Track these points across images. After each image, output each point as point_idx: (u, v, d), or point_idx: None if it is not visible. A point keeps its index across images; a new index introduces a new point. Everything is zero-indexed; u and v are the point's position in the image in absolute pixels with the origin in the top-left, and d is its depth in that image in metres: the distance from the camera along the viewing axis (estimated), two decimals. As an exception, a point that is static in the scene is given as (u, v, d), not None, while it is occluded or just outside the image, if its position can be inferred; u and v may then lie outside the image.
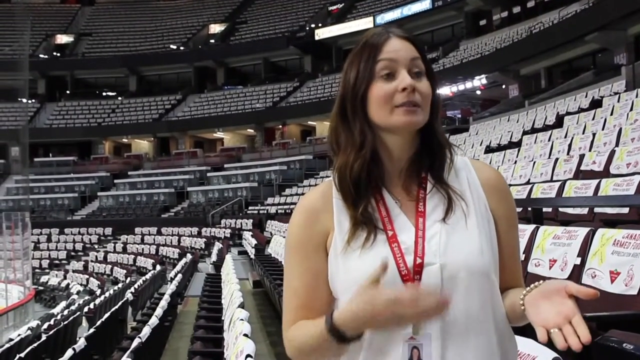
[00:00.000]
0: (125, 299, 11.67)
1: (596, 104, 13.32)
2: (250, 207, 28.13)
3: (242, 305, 4.56)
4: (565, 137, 10.31)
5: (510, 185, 7.88)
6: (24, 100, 36.22)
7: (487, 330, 1.24)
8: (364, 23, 36.19)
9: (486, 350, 1.23)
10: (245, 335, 3.13)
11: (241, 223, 23.99)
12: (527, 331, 3.15)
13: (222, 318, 5.61)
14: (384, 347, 1.23)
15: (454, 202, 1.28)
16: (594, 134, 8.78)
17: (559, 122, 13.07)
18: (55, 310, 17.51)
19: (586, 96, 15.33)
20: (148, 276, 16.50)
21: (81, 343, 6.89)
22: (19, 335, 11.72)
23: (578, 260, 3.37)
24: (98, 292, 19.44)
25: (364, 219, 1.26)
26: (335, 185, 1.31)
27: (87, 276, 23.98)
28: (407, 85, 1.25)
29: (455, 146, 1.34)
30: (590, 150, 8.14)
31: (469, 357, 1.22)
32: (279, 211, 22.82)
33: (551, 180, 7.29)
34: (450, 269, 1.23)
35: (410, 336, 1.21)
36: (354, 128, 1.30)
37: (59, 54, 45.44)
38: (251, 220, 23.55)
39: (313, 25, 39.91)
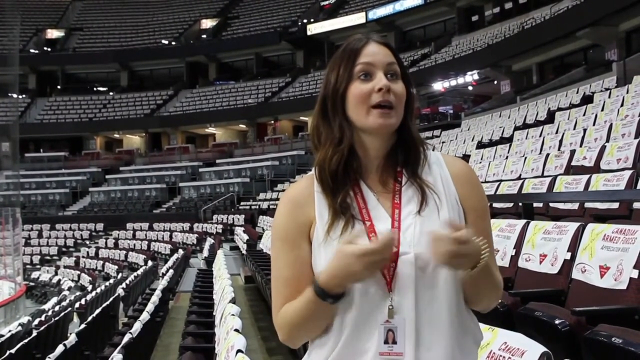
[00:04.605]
0: (116, 294, 11.61)
1: (587, 99, 13.37)
2: (242, 203, 28.04)
3: (233, 301, 4.55)
4: (557, 132, 10.35)
5: (501, 180, 7.92)
6: (15, 96, 35.97)
7: (451, 313, 1.35)
8: (356, 18, 36.14)
9: (450, 329, 1.34)
10: (237, 330, 3.12)
11: (233, 218, 23.94)
12: (518, 326, 3.17)
13: (214, 313, 5.60)
14: (362, 330, 1.32)
15: (427, 196, 1.38)
16: (584, 130, 8.81)
17: (550, 118, 13.13)
18: (46, 306, 17.43)
19: (577, 92, 15.36)
20: (139, 272, 16.45)
21: (72, 339, 6.85)
22: (9, 331, 11.67)
23: (568, 255, 3.38)
24: (89, 287, 19.37)
25: (342, 208, 1.35)
26: (316, 178, 1.40)
27: (78, 272, 23.87)
28: (383, 86, 1.36)
29: (428, 143, 1.44)
30: (581, 145, 8.17)
31: (439, 336, 1.33)
32: (271, 206, 22.73)
33: (542, 176, 7.32)
34: (423, 258, 1.32)
35: (385, 320, 1.32)
36: (334, 125, 1.40)
37: (49, 49, 45.09)
38: (243, 216, 23.50)
39: (305, 21, 39.81)
